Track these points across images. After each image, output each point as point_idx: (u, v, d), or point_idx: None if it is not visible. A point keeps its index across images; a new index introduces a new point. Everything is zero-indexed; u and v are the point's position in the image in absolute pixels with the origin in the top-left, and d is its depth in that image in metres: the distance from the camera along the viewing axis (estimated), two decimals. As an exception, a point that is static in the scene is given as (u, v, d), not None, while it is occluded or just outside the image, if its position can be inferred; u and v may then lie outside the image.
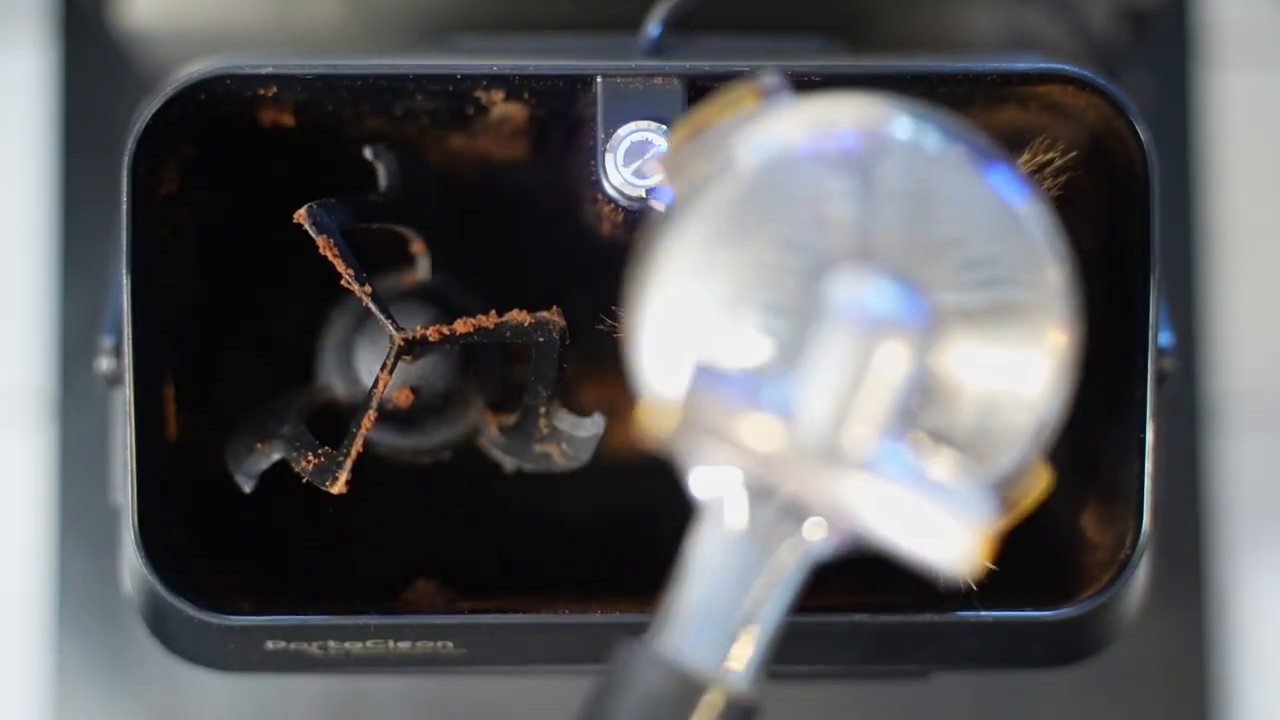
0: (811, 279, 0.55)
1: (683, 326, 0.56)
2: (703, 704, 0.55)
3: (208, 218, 0.72)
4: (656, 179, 0.60)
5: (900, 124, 0.56)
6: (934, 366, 0.56)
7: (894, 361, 0.54)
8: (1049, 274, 0.56)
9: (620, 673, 0.55)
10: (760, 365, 0.55)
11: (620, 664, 0.56)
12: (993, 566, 0.56)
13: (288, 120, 0.70)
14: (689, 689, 0.55)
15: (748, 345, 0.56)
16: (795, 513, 0.55)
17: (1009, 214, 0.56)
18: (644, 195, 0.66)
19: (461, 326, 0.67)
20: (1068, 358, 0.57)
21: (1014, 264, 0.56)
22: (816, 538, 0.56)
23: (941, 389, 0.56)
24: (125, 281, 0.66)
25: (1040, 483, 0.59)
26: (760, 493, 0.55)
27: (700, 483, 0.56)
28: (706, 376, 0.54)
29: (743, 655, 0.55)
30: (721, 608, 0.56)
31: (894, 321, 0.54)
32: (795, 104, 0.57)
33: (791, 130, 0.56)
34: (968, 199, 0.56)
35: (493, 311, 0.67)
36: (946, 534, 0.53)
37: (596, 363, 0.73)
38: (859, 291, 0.54)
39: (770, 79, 0.58)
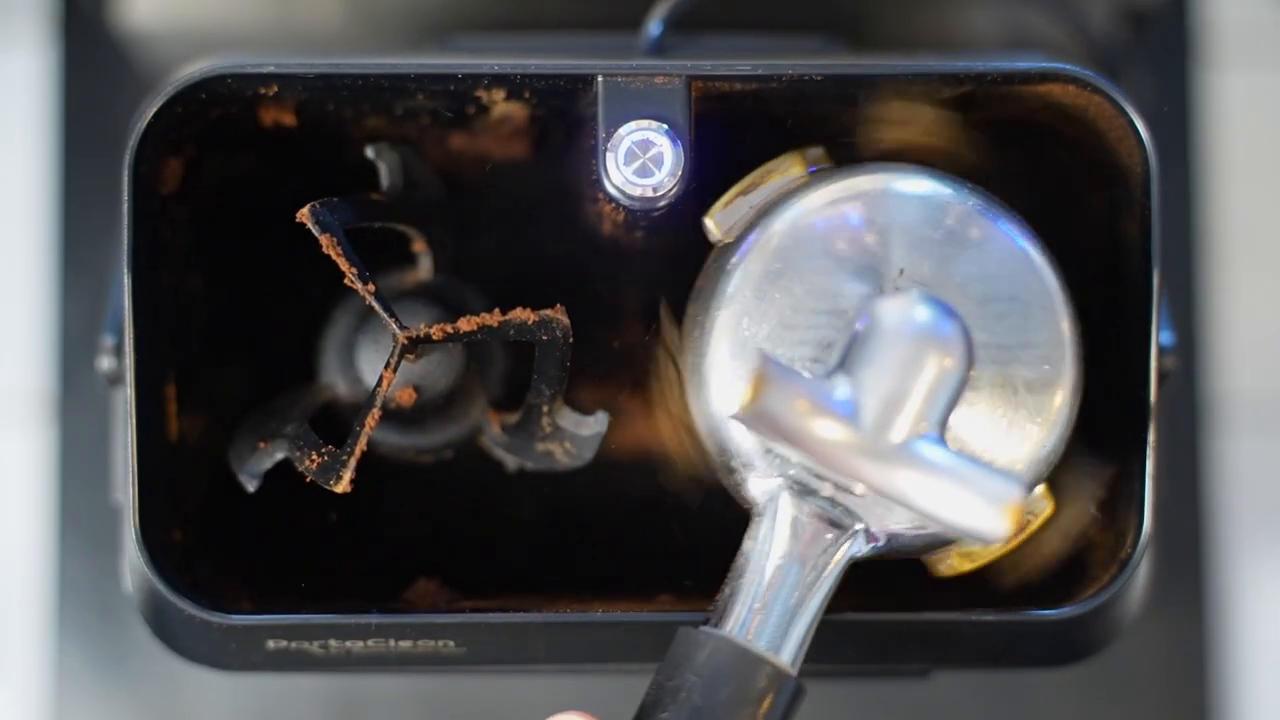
0: (860, 305, 0.63)
1: (747, 351, 0.64)
2: (762, 677, 0.61)
3: (208, 217, 0.72)
4: (710, 231, 0.67)
5: (916, 183, 0.64)
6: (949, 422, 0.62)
7: (941, 366, 0.61)
8: (1062, 324, 0.64)
9: (687, 652, 0.62)
10: (820, 372, 0.63)
11: (687, 645, 0.62)
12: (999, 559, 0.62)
13: (289, 120, 0.70)
14: (751, 665, 0.61)
15: (806, 357, 0.63)
16: (840, 513, 0.63)
17: (1024, 259, 0.64)
18: (647, 195, 0.66)
19: (465, 325, 0.67)
20: (1071, 410, 0.64)
21: (1028, 303, 0.64)
22: (857, 538, 0.63)
23: (951, 437, 0.63)
24: (126, 281, 0.66)
25: (1046, 508, 0.66)
26: (809, 495, 0.63)
27: (756, 485, 0.64)
28: (777, 372, 0.60)
29: (792, 640, 0.63)
30: (774, 599, 0.63)
31: (939, 332, 0.61)
32: (830, 173, 0.65)
33: (816, 198, 0.64)
34: (983, 245, 0.64)
35: (496, 310, 0.67)
36: (984, 512, 0.60)
37: (599, 361, 0.73)
38: (908, 309, 0.62)
39: (814, 150, 0.66)
